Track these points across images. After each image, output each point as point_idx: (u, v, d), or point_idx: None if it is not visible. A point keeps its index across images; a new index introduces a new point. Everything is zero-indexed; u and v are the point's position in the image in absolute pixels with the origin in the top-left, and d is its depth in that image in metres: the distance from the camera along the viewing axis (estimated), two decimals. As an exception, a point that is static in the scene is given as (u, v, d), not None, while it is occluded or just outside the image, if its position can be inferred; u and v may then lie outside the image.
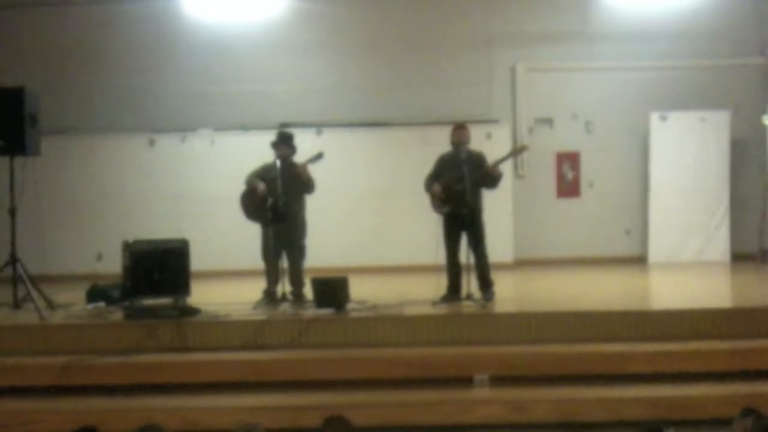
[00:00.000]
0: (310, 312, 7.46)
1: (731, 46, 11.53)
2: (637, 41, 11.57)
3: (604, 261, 11.34)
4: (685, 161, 11.34)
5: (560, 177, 11.83)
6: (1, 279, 8.17)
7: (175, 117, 11.58)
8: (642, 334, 6.91)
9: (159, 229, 9.37)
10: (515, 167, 11.56)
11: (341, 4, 11.61)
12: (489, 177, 7.76)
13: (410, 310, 7.41)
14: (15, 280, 8.06)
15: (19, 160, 8.15)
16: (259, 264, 8.17)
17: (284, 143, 8.11)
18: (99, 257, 10.90)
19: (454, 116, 10.34)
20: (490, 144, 8.95)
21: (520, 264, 11.26)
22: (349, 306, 7.55)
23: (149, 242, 7.91)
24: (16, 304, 8.01)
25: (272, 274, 8.04)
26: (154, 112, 11.60)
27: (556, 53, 11.68)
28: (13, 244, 8.08)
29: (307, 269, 8.17)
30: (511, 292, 8.92)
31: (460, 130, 7.97)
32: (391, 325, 7.09)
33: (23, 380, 6.60)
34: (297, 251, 8.09)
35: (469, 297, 7.72)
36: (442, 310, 7.54)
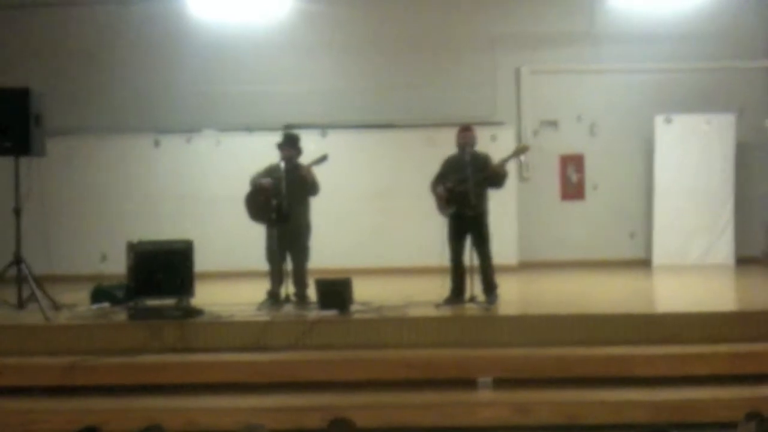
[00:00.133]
0: (314, 313, 7.47)
1: (736, 48, 11.51)
2: (641, 44, 11.55)
3: (608, 264, 11.31)
4: (690, 164, 11.32)
5: (565, 179, 11.81)
6: (6, 279, 8.18)
7: (180, 118, 11.60)
8: (646, 337, 6.90)
9: (163, 229, 9.39)
10: (519, 170, 11.54)
11: (346, 6, 11.61)
12: (495, 175, 7.76)
13: (414, 312, 7.41)
14: (20, 281, 8.08)
15: (24, 161, 8.17)
16: (263, 265, 8.17)
17: (290, 145, 8.11)
18: (103, 258, 10.91)
19: (458, 118, 10.31)
20: (495, 146, 8.92)
21: (524, 266, 11.24)
22: (353, 307, 7.55)
23: (153, 243, 7.92)
24: (21, 305, 8.03)
25: (276, 275, 8.05)
26: (159, 112, 11.62)
27: (560, 55, 11.67)
28: (17, 244, 8.10)
29: (311, 270, 8.17)
30: (514, 295, 8.91)
31: (465, 132, 7.98)
32: (395, 326, 7.09)
33: (27, 380, 6.62)
34: (301, 252, 8.09)
35: (472, 299, 7.72)
36: (446, 312, 7.54)
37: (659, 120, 11.37)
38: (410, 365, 6.61)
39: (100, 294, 8.10)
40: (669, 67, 11.56)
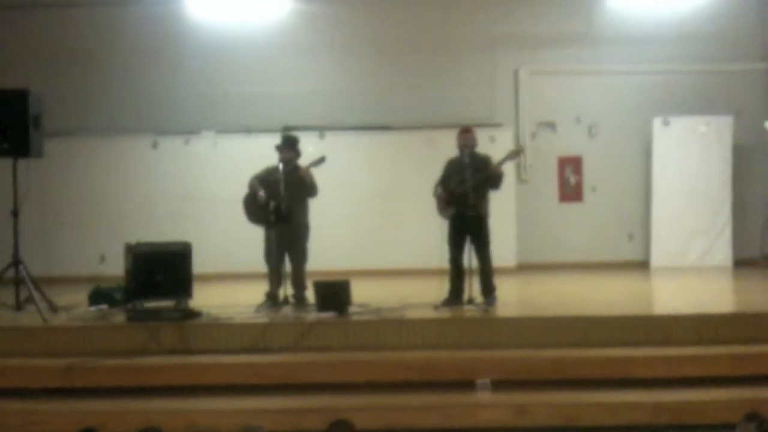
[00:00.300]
0: (312, 315, 7.47)
1: (734, 50, 11.53)
2: (640, 45, 11.56)
3: (606, 265, 11.31)
4: (688, 166, 11.33)
5: (563, 181, 11.82)
6: (4, 281, 8.18)
7: (178, 119, 11.59)
8: (644, 339, 6.91)
9: (162, 231, 9.37)
10: (518, 171, 11.55)
11: (345, 7, 11.62)
12: (492, 177, 7.77)
13: (412, 314, 7.42)
14: (18, 282, 8.08)
15: (22, 162, 8.17)
16: (262, 267, 8.17)
17: (289, 147, 8.12)
18: (102, 259, 10.90)
19: (457, 119, 10.33)
20: (494, 147, 8.92)
21: (523, 268, 11.24)
22: (351, 309, 7.55)
23: (152, 245, 7.91)
24: (19, 306, 8.03)
25: (274, 277, 8.05)
26: (157, 114, 11.61)
27: (559, 57, 11.68)
28: (16, 245, 8.09)
29: (310, 272, 8.17)
30: (513, 297, 8.92)
31: (464, 133, 8.00)
32: (393, 328, 7.10)
33: (25, 382, 6.61)
34: (299, 254, 8.09)
35: (471, 301, 7.73)
36: (445, 313, 7.55)
37: (657, 122, 11.38)
38: (409, 367, 6.62)
39: (98, 296, 8.10)
40: (667, 69, 11.57)
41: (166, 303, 7.58)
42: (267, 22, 11.61)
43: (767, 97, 11.58)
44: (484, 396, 6.36)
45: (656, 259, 11.37)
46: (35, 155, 8.21)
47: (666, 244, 11.34)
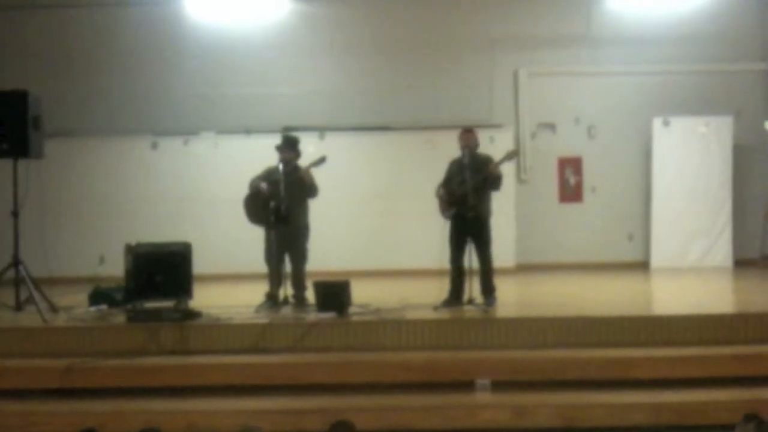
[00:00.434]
0: (312, 316, 7.47)
1: (734, 51, 11.54)
2: (639, 46, 11.57)
3: (606, 266, 11.32)
4: (688, 166, 11.34)
5: (563, 182, 11.83)
6: (4, 281, 8.17)
7: (178, 120, 11.60)
8: (644, 340, 6.91)
9: (162, 232, 9.37)
10: (518, 172, 11.56)
11: (344, 7, 11.62)
12: (489, 178, 7.77)
13: (412, 314, 7.41)
14: (17, 283, 8.07)
15: (22, 163, 8.16)
16: (262, 267, 8.17)
17: (289, 147, 8.12)
18: (101, 260, 10.90)
19: (456, 120, 10.35)
20: (493, 148, 8.91)
21: (522, 269, 11.25)
22: (351, 310, 7.55)
23: (152, 245, 7.90)
24: (19, 307, 8.03)
25: (274, 277, 8.05)
26: (157, 114, 11.62)
27: (558, 58, 11.69)
28: (16, 246, 8.09)
29: (310, 273, 8.17)
30: (513, 297, 8.91)
31: (464, 134, 8.01)
32: (393, 329, 7.09)
33: (25, 382, 6.61)
34: (299, 255, 8.09)
35: (470, 301, 7.73)
36: (444, 314, 7.55)
37: (657, 122, 11.39)
38: (409, 367, 6.61)
39: (98, 296, 8.09)
40: (667, 70, 11.58)
41: (166, 303, 7.57)
42: (266, 23, 11.62)
43: (767, 98, 11.58)
44: (483, 396, 6.36)
45: (656, 259, 11.37)
46: (35, 156, 8.21)
47: (666, 244, 11.35)
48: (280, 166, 7.97)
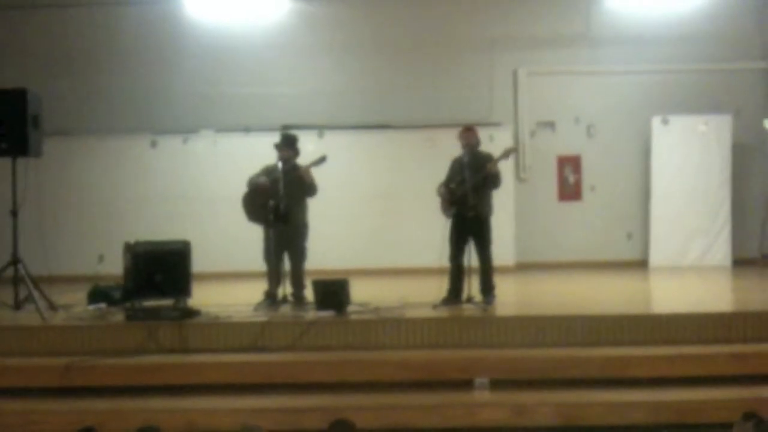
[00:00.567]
0: (311, 314, 7.47)
1: (733, 50, 11.54)
2: (639, 45, 11.58)
3: (605, 265, 11.33)
4: (687, 165, 11.34)
5: (562, 180, 11.83)
6: (3, 280, 8.17)
7: (177, 118, 11.60)
8: (643, 338, 6.90)
9: (160, 230, 9.36)
10: (517, 171, 11.57)
11: (344, 7, 11.62)
12: (488, 177, 7.76)
13: (411, 313, 7.40)
14: (16, 281, 8.07)
15: (21, 162, 8.16)
16: (261, 266, 8.17)
17: (288, 146, 8.11)
18: (100, 258, 10.90)
19: (456, 119, 10.36)
20: (493, 147, 8.91)
21: (522, 267, 11.25)
22: (350, 308, 7.55)
23: (151, 243, 7.90)
24: (18, 305, 8.02)
25: (273, 276, 8.05)
26: (156, 113, 11.62)
27: (558, 57, 11.69)
28: (15, 244, 8.09)
29: (310, 271, 8.17)
30: (512, 296, 8.91)
31: (464, 132, 8.01)
32: (392, 327, 7.08)
33: (24, 381, 6.60)
34: (298, 253, 8.09)
35: (470, 300, 7.73)
36: (443, 313, 7.54)
37: (656, 121, 11.39)
38: (408, 366, 6.61)
39: (97, 295, 8.09)
40: (666, 69, 11.59)
41: (165, 302, 7.56)
42: (266, 22, 11.62)
43: (766, 96, 11.59)
44: (482, 395, 6.36)
45: (655, 258, 11.38)
46: (34, 154, 8.21)
47: (665, 243, 11.35)
48: (279, 165, 7.96)
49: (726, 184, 11.30)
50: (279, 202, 7.79)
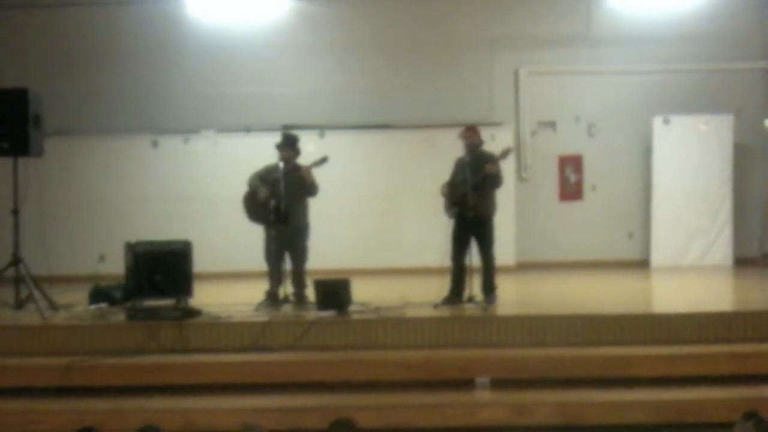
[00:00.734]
0: (312, 314, 7.47)
1: (734, 49, 11.54)
2: (639, 45, 11.58)
3: (606, 264, 11.33)
4: (688, 165, 11.34)
5: (563, 180, 11.83)
6: (4, 279, 8.17)
7: (178, 118, 11.60)
8: (644, 338, 6.91)
9: (161, 230, 9.38)
10: (518, 170, 11.57)
11: (344, 7, 11.63)
12: (487, 177, 7.76)
13: (412, 313, 7.41)
14: (18, 281, 8.07)
15: (22, 161, 8.16)
16: (262, 266, 8.17)
17: (289, 146, 8.11)
18: (101, 258, 10.90)
19: (457, 119, 10.37)
20: (494, 146, 8.91)
21: (523, 267, 11.25)
22: (351, 308, 7.55)
23: (152, 243, 7.90)
24: (19, 305, 8.03)
25: (274, 275, 8.05)
26: (157, 113, 11.63)
27: (559, 56, 11.69)
28: (16, 244, 8.09)
29: (312, 271, 8.17)
30: (513, 295, 8.91)
31: (465, 132, 8.02)
32: (393, 327, 7.09)
33: (25, 380, 6.61)
34: (299, 253, 8.09)
35: (471, 299, 7.73)
36: (444, 312, 7.54)
37: (657, 121, 11.39)
38: (408, 366, 6.61)
39: (98, 294, 8.10)
40: (667, 68, 11.58)
41: (166, 302, 7.57)
42: (266, 21, 11.62)
43: (767, 96, 11.58)
44: (483, 395, 6.36)
45: (656, 257, 11.37)
46: (35, 154, 8.21)
47: (666, 242, 11.35)
48: (281, 165, 7.96)
49: (727, 184, 11.30)
50: (280, 203, 7.80)
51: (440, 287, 7.88)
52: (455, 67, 11.68)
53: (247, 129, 11.42)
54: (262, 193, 7.91)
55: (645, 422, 5.89)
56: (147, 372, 6.65)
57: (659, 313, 7.64)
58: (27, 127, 8.01)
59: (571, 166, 11.81)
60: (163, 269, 7.64)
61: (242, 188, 8.14)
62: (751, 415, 4.67)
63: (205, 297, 7.95)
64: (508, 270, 10.40)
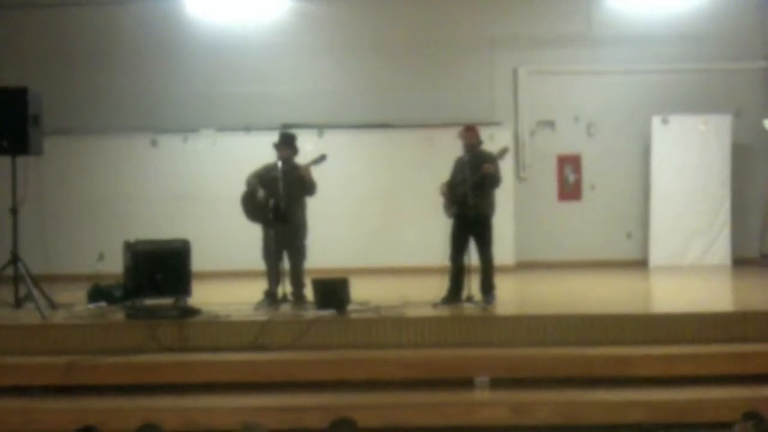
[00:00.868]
0: (311, 313, 7.47)
1: (734, 49, 11.53)
2: (639, 45, 11.57)
3: (605, 264, 11.32)
4: (687, 165, 11.33)
5: (562, 180, 11.83)
6: (3, 278, 8.17)
7: (177, 117, 11.59)
8: (643, 338, 6.91)
9: (160, 229, 9.35)
10: (517, 170, 11.57)
11: (344, 7, 11.62)
12: (486, 176, 7.76)
13: (411, 312, 7.42)
14: (17, 280, 8.07)
15: (21, 160, 8.16)
16: (261, 265, 8.17)
17: (286, 144, 8.11)
18: (100, 257, 10.89)
19: (456, 118, 10.36)
20: (493, 146, 8.93)
21: (522, 267, 11.24)
22: (350, 307, 7.55)
23: (151, 242, 7.91)
24: (18, 304, 8.02)
25: (273, 275, 8.05)
26: (156, 112, 11.62)
27: (558, 56, 11.68)
28: (15, 243, 8.09)
29: (311, 271, 8.17)
30: (512, 295, 8.91)
31: (465, 132, 8.03)
32: (392, 326, 7.10)
33: (25, 379, 6.62)
34: (298, 252, 8.09)
35: (469, 299, 7.73)
36: (444, 311, 7.55)
37: (656, 121, 11.38)
38: (408, 365, 6.62)
39: (97, 293, 8.10)
40: (666, 68, 11.58)
41: (165, 300, 7.58)
42: (266, 21, 11.62)
43: (767, 96, 11.58)
44: (482, 394, 6.37)
45: (655, 257, 11.37)
46: (34, 153, 8.21)
47: (665, 242, 11.35)
48: (279, 164, 7.96)
49: (726, 184, 11.29)
50: (278, 202, 7.80)
51: (439, 287, 7.89)
52: (455, 66, 11.67)
53: (247, 128, 11.42)
54: (261, 194, 7.91)
55: (644, 422, 5.88)
56: (147, 371, 6.65)
57: (658, 313, 7.66)
58: (26, 126, 8.00)
59: (570, 166, 11.81)
60: (162, 268, 7.66)
61: (241, 187, 8.13)
62: (751, 415, 4.67)
63: (204, 296, 7.95)
64: (507, 270, 10.39)
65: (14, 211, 8.14)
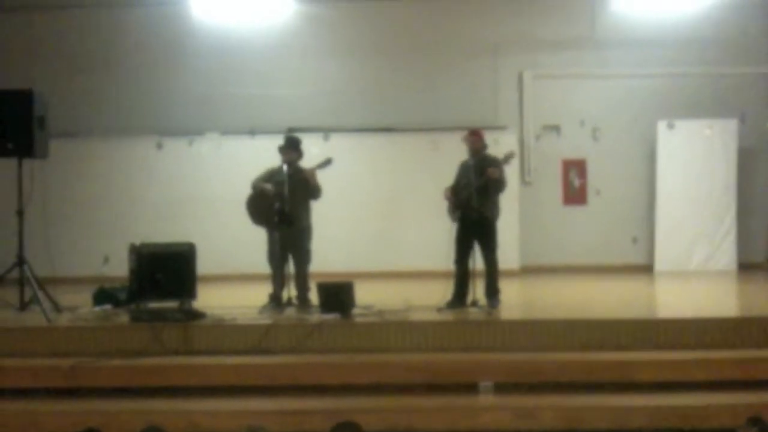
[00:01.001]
0: (316, 317, 7.47)
1: (739, 54, 11.52)
2: (644, 49, 11.56)
3: (610, 269, 11.31)
4: (693, 169, 11.32)
5: (567, 184, 11.82)
6: (8, 281, 8.18)
7: (182, 120, 11.62)
8: (648, 343, 6.90)
9: (166, 232, 9.38)
10: (522, 174, 11.56)
11: (349, 10, 11.63)
12: (490, 181, 7.76)
13: (416, 316, 7.42)
14: (22, 282, 8.08)
15: (27, 163, 8.18)
16: (265, 268, 8.18)
17: (292, 148, 8.11)
18: (106, 260, 10.92)
19: (461, 122, 10.37)
20: (498, 150, 8.93)
21: (526, 271, 11.24)
22: (355, 311, 7.55)
23: (156, 245, 7.92)
24: (23, 306, 8.03)
25: (278, 278, 8.05)
26: (162, 115, 11.65)
27: (563, 60, 11.69)
28: (20, 245, 8.10)
29: (315, 274, 8.17)
30: (516, 299, 8.90)
31: (469, 136, 8.02)
32: (397, 330, 7.09)
33: (29, 381, 6.63)
34: (302, 256, 8.09)
35: (474, 303, 7.73)
36: (448, 316, 7.54)
37: (662, 125, 11.37)
38: (412, 369, 6.62)
39: (102, 296, 8.11)
40: (671, 73, 11.57)
41: (170, 303, 7.58)
42: (271, 24, 11.64)
43: (772, 101, 11.58)
44: (486, 399, 6.36)
45: (660, 262, 11.36)
46: (40, 156, 8.22)
47: (670, 247, 11.33)
48: (284, 168, 7.97)
49: (731, 189, 11.28)
50: (283, 205, 7.80)
51: (444, 291, 7.88)
52: (459, 70, 11.68)
53: (252, 131, 11.44)
54: (269, 187, 7.90)
55: (648, 427, 5.89)
56: (151, 374, 6.66)
57: (663, 318, 7.64)
58: (32, 128, 8.02)
59: (575, 170, 11.80)
60: (167, 271, 7.65)
61: (246, 190, 8.14)
62: (755, 421, 4.66)
63: (208, 299, 7.96)
64: (511, 274, 10.40)
65: (20, 214, 8.16)
